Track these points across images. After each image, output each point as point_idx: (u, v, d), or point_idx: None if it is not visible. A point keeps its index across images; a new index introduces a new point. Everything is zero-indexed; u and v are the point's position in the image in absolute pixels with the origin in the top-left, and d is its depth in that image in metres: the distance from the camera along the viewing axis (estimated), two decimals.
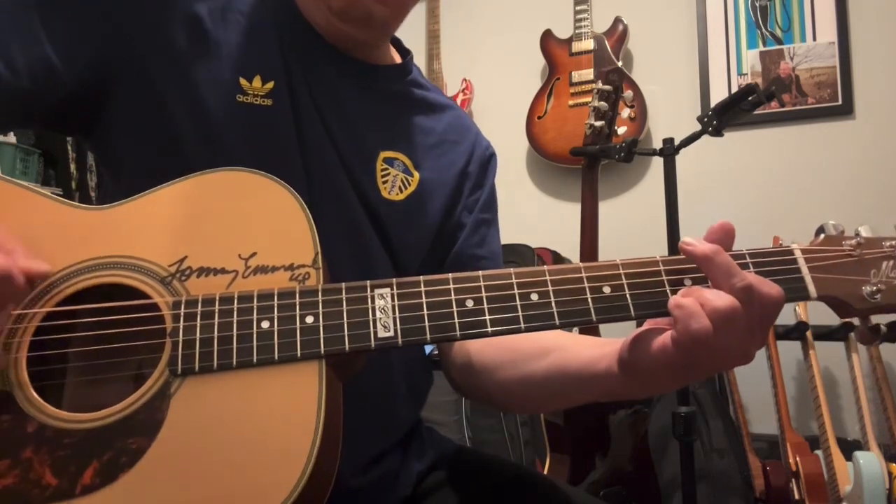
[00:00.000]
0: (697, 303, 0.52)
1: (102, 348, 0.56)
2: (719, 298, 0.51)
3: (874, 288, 0.57)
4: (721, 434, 1.83)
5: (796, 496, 1.68)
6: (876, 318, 0.60)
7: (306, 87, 0.73)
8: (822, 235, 0.60)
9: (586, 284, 0.56)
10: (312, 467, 0.50)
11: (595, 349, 0.63)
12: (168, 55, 0.68)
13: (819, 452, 1.73)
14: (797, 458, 1.72)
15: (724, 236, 0.56)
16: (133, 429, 0.52)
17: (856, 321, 0.61)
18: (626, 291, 0.56)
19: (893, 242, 0.59)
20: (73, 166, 2.58)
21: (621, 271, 0.57)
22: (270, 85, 0.71)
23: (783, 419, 1.81)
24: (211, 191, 0.60)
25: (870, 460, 1.61)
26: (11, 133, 2.20)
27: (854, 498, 1.61)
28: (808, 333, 1.88)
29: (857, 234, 0.59)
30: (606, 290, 0.56)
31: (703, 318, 0.51)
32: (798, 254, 0.58)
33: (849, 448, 1.72)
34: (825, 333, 1.90)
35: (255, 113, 0.70)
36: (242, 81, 0.70)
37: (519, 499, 0.77)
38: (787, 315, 1.93)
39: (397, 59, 0.87)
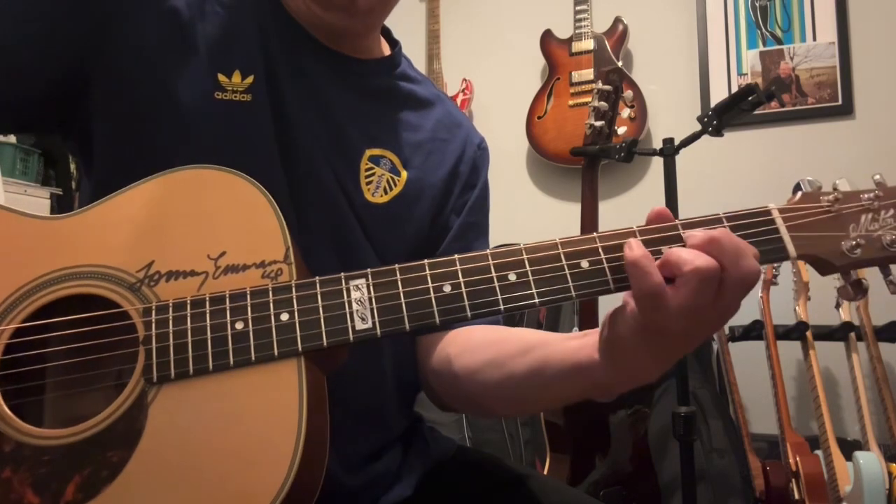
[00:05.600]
0: (649, 257, 0.51)
1: (76, 361, 0.55)
2: (695, 258, 0.50)
3: (854, 242, 0.55)
4: (721, 434, 1.83)
5: (796, 496, 1.68)
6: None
7: (288, 82, 0.71)
8: (800, 193, 0.58)
9: (564, 262, 0.55)
10: (297, 468, 0.49)
11: (576, 340, 0.62)
12: (142, 54, 0.66)
13: (819, 452, 1.73)
14: (797, 458, 1.72)
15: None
16: (112, 441, 0.51)
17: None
18: (605, 265, 0.55)
19: (871, 195, 0.57)
20: (72, 166, 2.59)
21: (598, 244, 0.56)
22: (250, 80, 0.69)
23: (783, 419, 1.81)
24: (174, 191, 0.58)
25: (870, 460, 1.61)
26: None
27: (854, 498, 1.61)
28: (808, 333, 1.88)
29: (835, 189, 0.58)
30: (584, 264, 0.55)
31: (655, 274, 0.50)
32: (775, 214, 0.57)
33: (849, 448, 1.72)
34: (825, 333, 1.90)
35: (233, 109, 0.68)
36: (221, 77, 0.68)
37: (519, 499, 0.76)
38: (788, 315, 1.93)
39: (386, 50, 0.84)
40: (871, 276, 0.57)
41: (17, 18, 0.64)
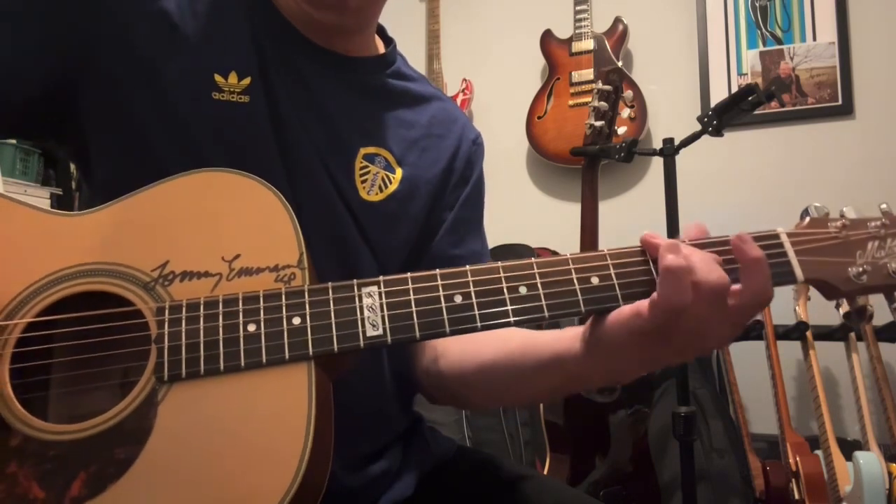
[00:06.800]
0: (689, 268, 0.52)
1: (87, 357, 0.55)
2: (711, 272, 0.52)
3: (860, 269, 0.57)
4: (721, 434, 1.83)
5: (796, 496, 1.68)
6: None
7: (282, 83, 0.71)
8: (808, 218, 0.60)
9: (574, 276, 0.56)
10: (304, 471, 0.49)
11: (556, 332, 0.63)
12: (134, 57, 0.66)
13: (819, 452, 1.73)
14: (797, 458, 1.72)
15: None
16: (120, 438, 0.51)
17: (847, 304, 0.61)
18: (615, 281, 0.56)
19: (878, 223, 0.59)
20: (73, 166, 2.58)
21: (609, 261, 0.57)
22: (247, 81, 0.68)
23: (783, 419, 1.81)
24: (191, 192, 0.59)
25: (870, 460, 1.61)
26: None
27: (854, 498, 1.61)
28: (808, 333, 1.88)
29: (843, 216, 0.60)
30: (595, 280, 0.56)
31: (688, 287, 0.52)
32: (784, 237, 0.58)
33: (849, 448, 1.72)
34: (825, 333, 1.90)
35: (231, 111, 0.67)
36: (217, 78, 0.67)
37: (519, 499, 0.77)
38: (788, 315, 1.93)
39: (381, 48, 0.84)
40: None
41: (9, 23, 0.64)
